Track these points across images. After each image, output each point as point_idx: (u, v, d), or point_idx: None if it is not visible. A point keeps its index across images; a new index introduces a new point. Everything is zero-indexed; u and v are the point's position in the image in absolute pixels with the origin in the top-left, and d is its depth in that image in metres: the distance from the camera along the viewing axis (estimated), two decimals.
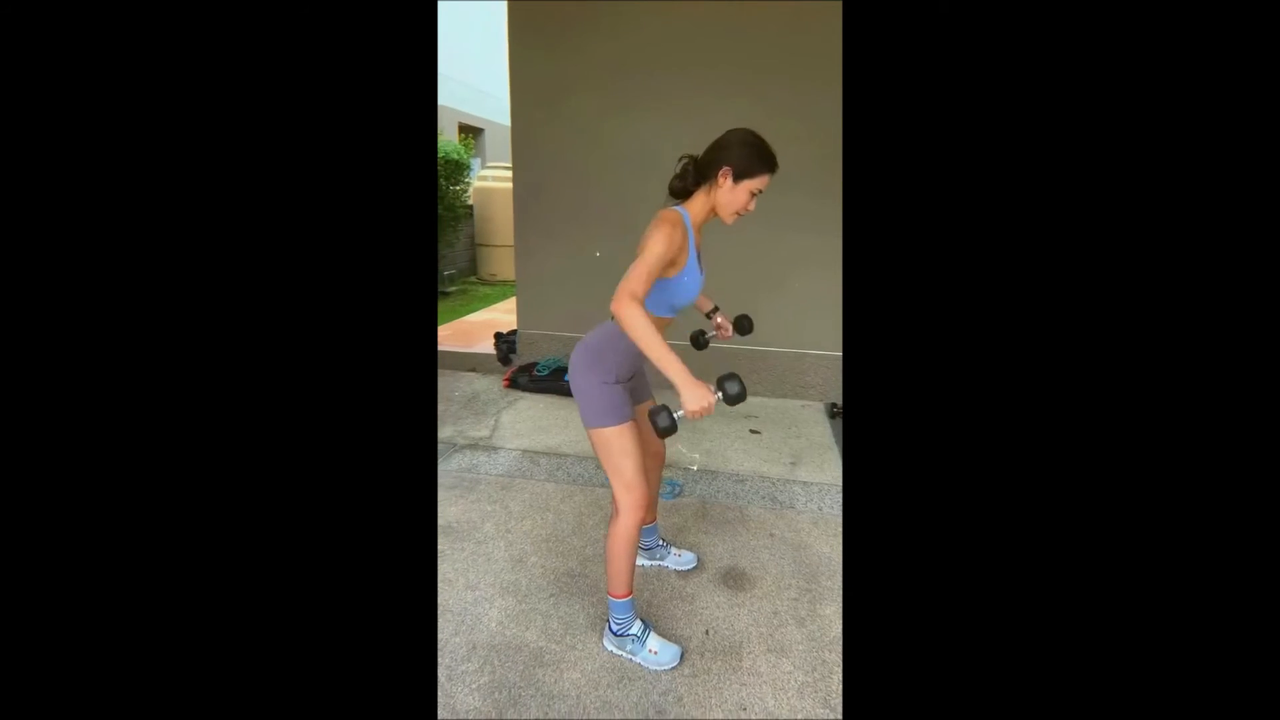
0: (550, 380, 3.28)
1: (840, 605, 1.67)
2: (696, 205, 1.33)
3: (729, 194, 1.28)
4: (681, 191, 1.35)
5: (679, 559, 1.81)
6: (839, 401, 3.16)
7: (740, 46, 2.96)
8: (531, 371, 3.35)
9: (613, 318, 1.39)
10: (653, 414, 1.17)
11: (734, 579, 1.78)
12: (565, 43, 3.16)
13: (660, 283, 1.31)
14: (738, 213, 1.31)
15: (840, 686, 1.39)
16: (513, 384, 3.36)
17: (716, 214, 1.33)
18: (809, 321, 3.20)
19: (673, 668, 1.42)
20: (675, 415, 1.15)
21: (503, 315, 4.86)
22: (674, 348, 1.15)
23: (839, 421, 2.99)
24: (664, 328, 1.39)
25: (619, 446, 1.36)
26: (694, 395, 1.12)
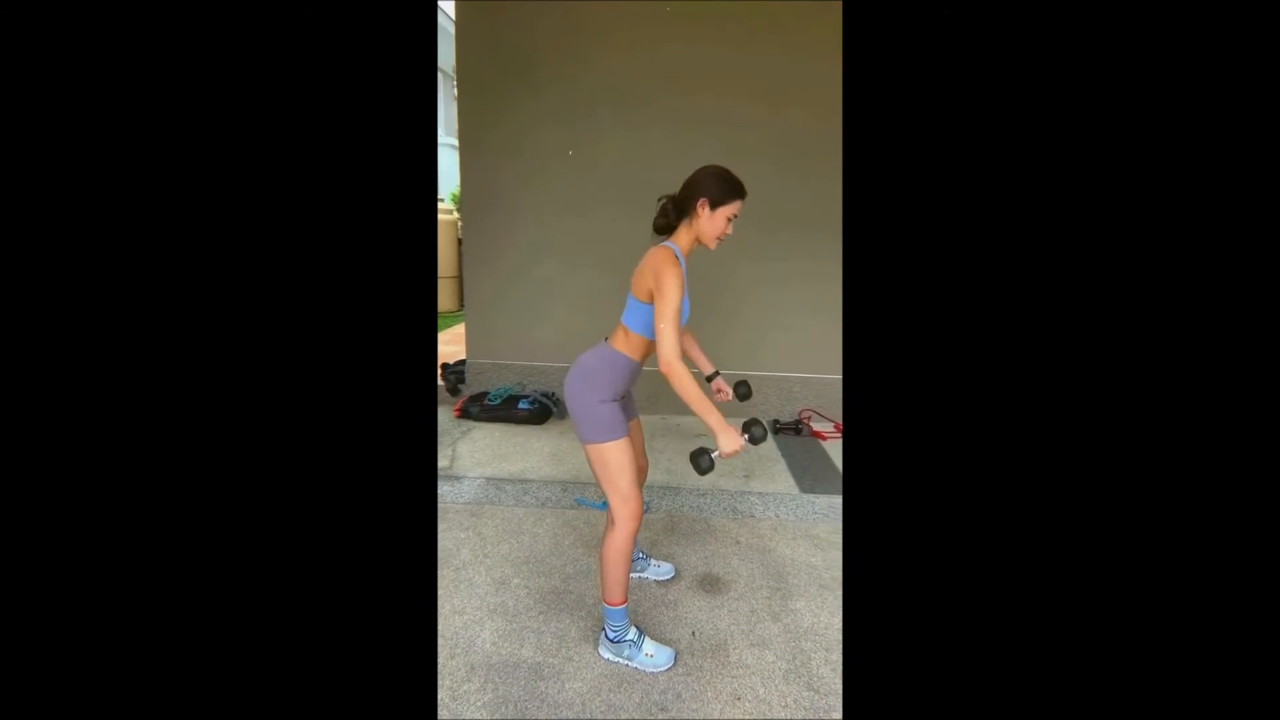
0: (502, 409, 3.30)
1: (808, 599, 1.82)
2: (682, 238, 1.47)
3: (709, 222, 1.43)
4: (665, 228, 1.49)
5: (658, 569, 1.91)
6: (780, 418, 3.39)
7: (688, 82, 3.19)
8: (483, 401, 3.36)
9: (607, 341, 1.52)
10: (695, 456, 1.36)
11: (710, 584, 1.89)
12: (515, 77, 3.28)
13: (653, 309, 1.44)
14: (718, 238, 1.45)
15: (819, 670, 1.53)
16: (464, 414, 3.35)
17: (701, 242, 1.47)
18: (751, 345, 3.43)
19: (668, 669, 1.51)
20: (713, 455, 1.35)
21: (444, 346, 4.80)
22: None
23: (781, 437, 3.21)
24: (651, 350, 1.51)
25: (616, 461, 1.46)
26: (729, 439, 1.35)
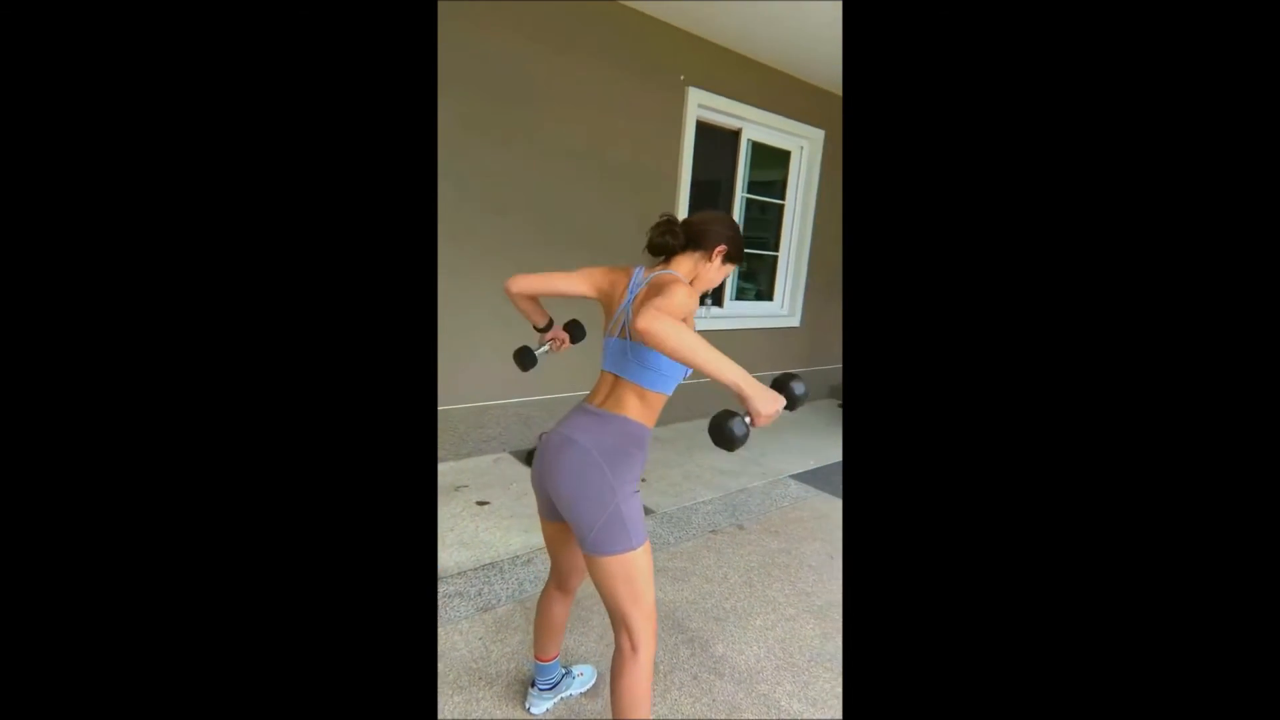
0: None
1: (723, 640, 1.83)
2: (685, 270, 1.21)
3: (716, 272, 1.25)
4: (664, 249, 1.21)
5: (581, 680, 1.58)
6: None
7: None
8: None
9: (598, 406, 1.21)
10: (721, 423, 1.01)
11: None
12: None
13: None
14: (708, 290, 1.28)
15: (792, 704, 1.58)
16: None
17: (697, 286, 1.24)
18: (485, 372, 3.06)
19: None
20: (745, 421, 1.02)
21: None
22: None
23: None
24: (663, 405, 1.23)
25: (645, 568, 1.16)
26: (767, 399, 1.01)
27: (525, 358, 1.54)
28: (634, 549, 1.13)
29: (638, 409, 1.18)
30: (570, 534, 1.28)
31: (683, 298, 1.06)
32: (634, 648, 1.16)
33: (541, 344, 1.56)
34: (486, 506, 2.56)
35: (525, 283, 1.31)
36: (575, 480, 1.13)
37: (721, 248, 1.22)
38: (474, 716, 1.46)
